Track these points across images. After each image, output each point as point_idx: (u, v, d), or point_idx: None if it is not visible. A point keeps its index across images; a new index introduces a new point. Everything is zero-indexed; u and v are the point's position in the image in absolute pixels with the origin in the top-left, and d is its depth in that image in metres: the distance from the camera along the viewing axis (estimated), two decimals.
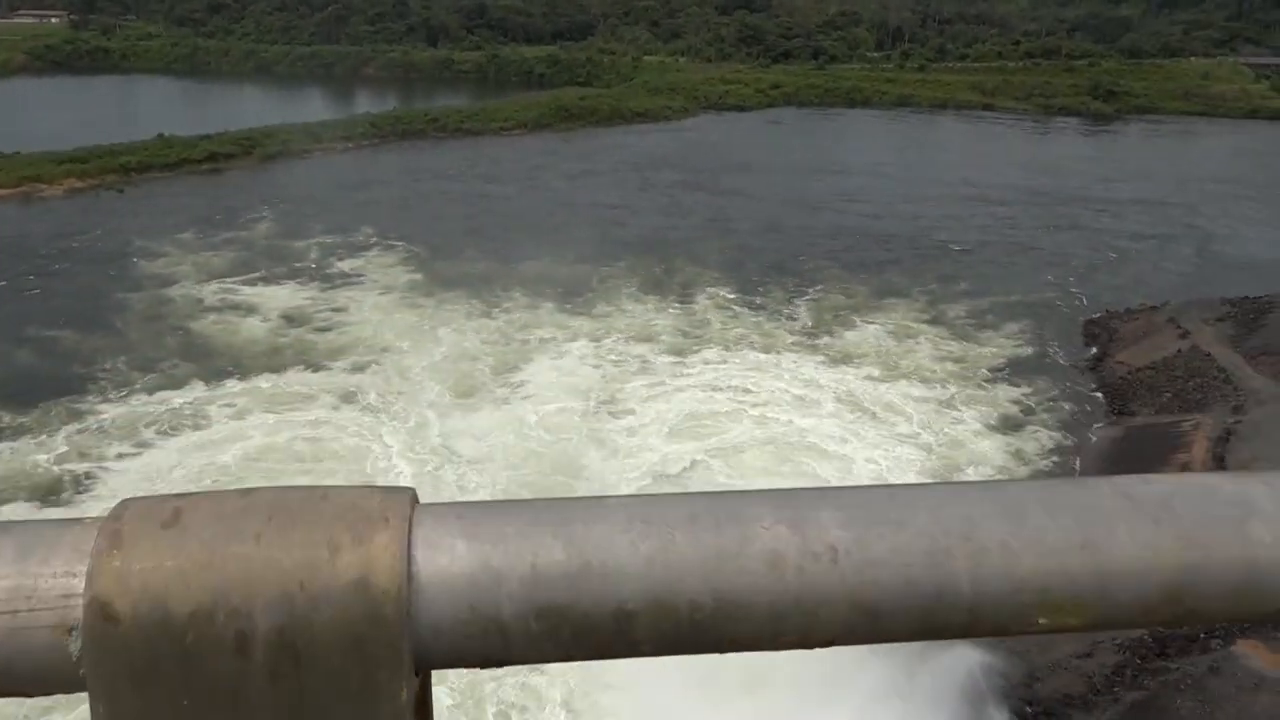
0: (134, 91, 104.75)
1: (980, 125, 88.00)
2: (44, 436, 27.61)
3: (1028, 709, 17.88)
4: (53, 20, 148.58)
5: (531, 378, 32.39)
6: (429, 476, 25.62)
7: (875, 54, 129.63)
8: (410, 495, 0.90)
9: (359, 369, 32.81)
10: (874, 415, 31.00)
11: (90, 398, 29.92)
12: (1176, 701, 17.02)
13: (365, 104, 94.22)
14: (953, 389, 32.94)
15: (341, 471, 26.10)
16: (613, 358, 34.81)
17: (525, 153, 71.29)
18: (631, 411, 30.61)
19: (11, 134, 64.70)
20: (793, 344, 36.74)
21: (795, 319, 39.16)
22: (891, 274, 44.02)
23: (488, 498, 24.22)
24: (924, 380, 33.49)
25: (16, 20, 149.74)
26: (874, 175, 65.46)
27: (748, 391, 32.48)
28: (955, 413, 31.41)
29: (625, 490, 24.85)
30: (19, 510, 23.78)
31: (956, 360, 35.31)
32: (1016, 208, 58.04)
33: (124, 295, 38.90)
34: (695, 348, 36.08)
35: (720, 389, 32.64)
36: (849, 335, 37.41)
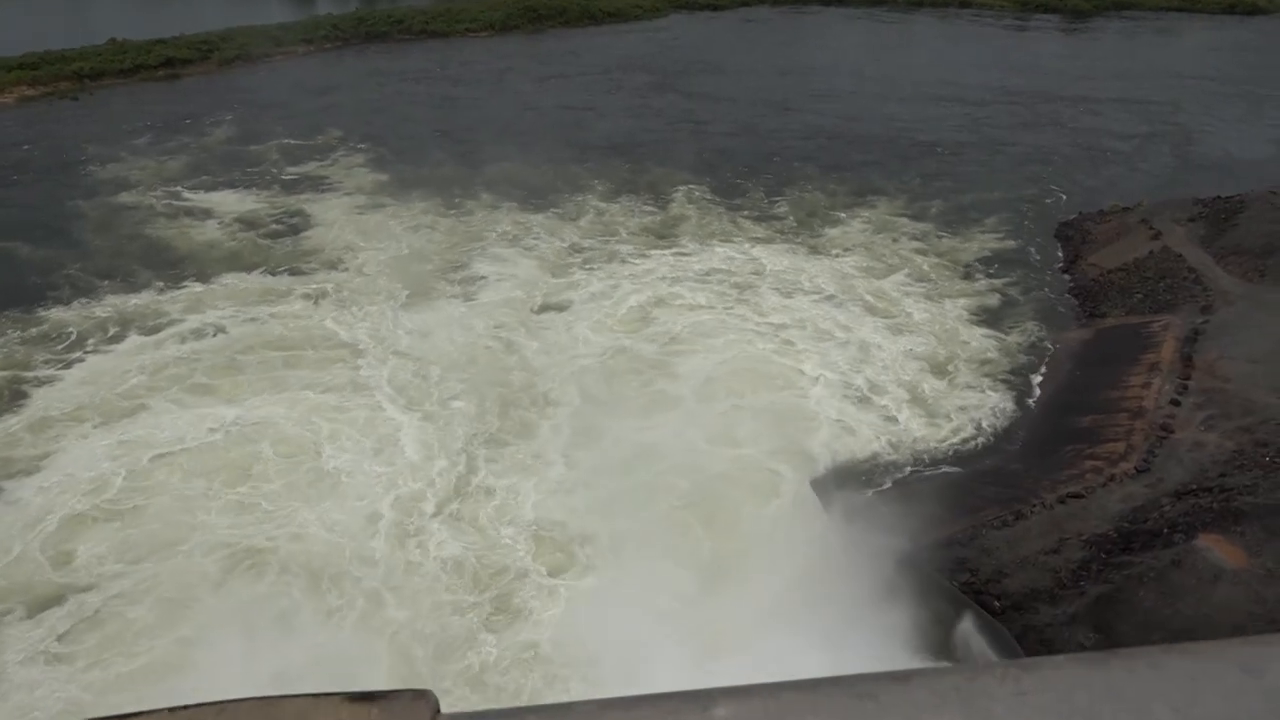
0: None
1: (957, 24, 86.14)
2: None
3: (996, 603, 18.31)
4: None
5: (486, 274, 32.95)
6: (384, 359, 27.38)
7: None
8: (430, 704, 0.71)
9: (322, 267, 33.15)
10: (867, 304, 31.91)
11: (49, 306, 29.57)
12: (1139, 594, 17.46)
13: (327, 6, 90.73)
14: (937, 282, 33.66)
15: (311, 356, 27.31)
16: (572, 255, 35.11)
17: (492, 55, 69.22)
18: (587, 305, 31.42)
19: None
20: (774, 236, 37.20)
21: (775, 216, 39.20)
22: (870, 174, 43.71)
23: (431, 389, 25.92)
24: (909, 273, 34.30)
25: None
26: (849, 76, 64.17)
27: (732, 282, 33.12)
28: (941, 305, 32.03)
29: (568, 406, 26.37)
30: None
31: (939, 254, 35.92)
32: (994, 107, 57.24)
33: (79, 203, 38.08)
34: (665, 243, 36.38)
35: (700, 281, 33.21)
36: (832, 231, 37.73)
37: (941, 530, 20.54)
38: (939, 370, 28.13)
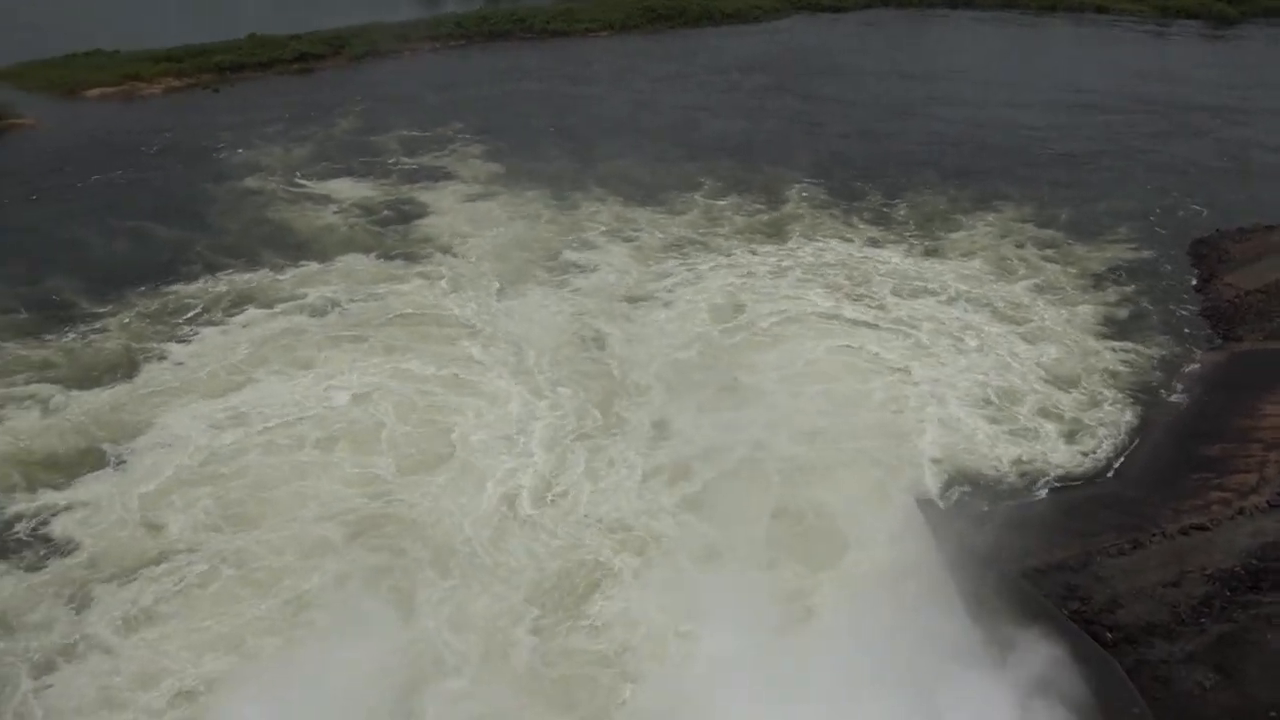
0: None
1: (1092, 28, 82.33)
2: (129, 317, 28.91)
3: (1108, 635, 17.28)
4: None
5: (587, 263, 33.47)
6: (488, 341, 28.09)
7: None
8: None
9: (434, 250, 34.19)
10: (987, 308, 31.04)
11: (176, 282, 31.09)
12: (1268, 636, 16.26)
13: (452, 4, 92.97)
14: (1064, 290, 32.46)
15: (420, 334, 28.56)
16: (674, 248, 35.06)
17: (611, 54, 69.65)
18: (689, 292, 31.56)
19: (113, 32, 65.78)
20: (890, 237, 36.47)
21: (892, 218, 38.32)
22: (995, 180, 42.22)
23: (531, 374, 26.01)
24: (1034, 280, 33.14)
25: None
26: (974, 81, 62.09)
27: (843, 280, 32.58)
28: (1067, 313, 30.85)
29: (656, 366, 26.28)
30: (100, 397, 25.00)
31: (1067, 262, 34.52)
32: (1131, 115, 54.48)
33: (211, 187, 40.02)
34: (774, 240, 35.99)
35: (808, 277, 32.80)
36: (953, 235, 36.73)
37: (1052, 554, 19.60)
38: (1060, 382, 26.84)
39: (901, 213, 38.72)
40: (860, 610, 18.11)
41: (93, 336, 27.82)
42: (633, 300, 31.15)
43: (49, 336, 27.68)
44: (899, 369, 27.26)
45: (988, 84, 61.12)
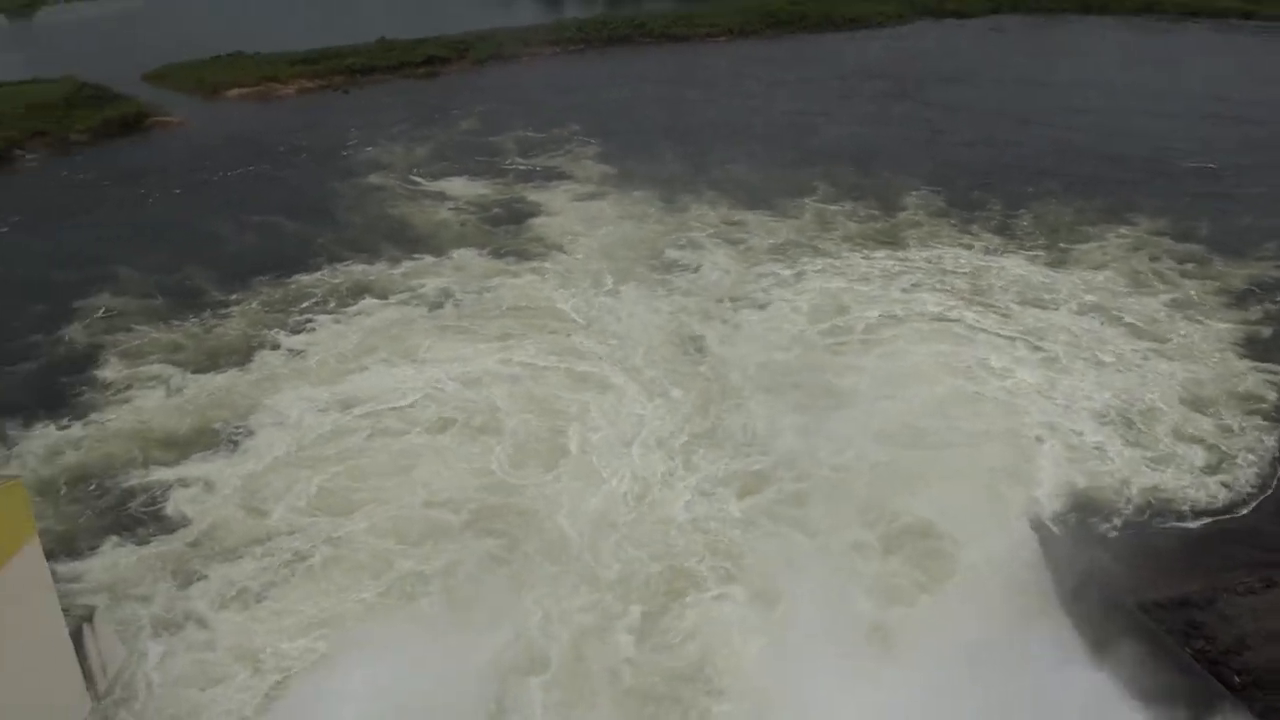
0: None
1: (1236, 36, 77.52)
2: (253, 305, 30.29)
3: (1235, 678, 16.15)
4: None
5: (694, 263, 33.44)
6: (595, 337, 28.39)
7: None
8: None
9: (545, 248, 34.81)
10: (1116, 321, 29.55)
11: (299, 273, 32.50)
12: None
13: (573, 9, 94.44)
14: (1203, 306, 30.57)
15: (532, 310, 30.06)
16: (783, 251, 34.59)
17: (729, 59, 69.48)
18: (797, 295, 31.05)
19: (253, 35, 69.32)
20: (1012, 246, 35.21)
21: (1014, 228, 36.93)
22: (1127, 192, 40.17)
23: (635, 371, 26.05)
24: (1169, 294, 31.31)
25: None
26: (1103, 89, 59.29)
27: (960, 288, 31.53)
28: (1206, 330, 29.04)
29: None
30: (223, 379, 26.27)
31: (1207, 278, 32.52)
32: (1276, 128, 51.08)
33: (337, 184, 41.68)
34: (888, 246, 35.15)
35: (923, 283, 31.92)
36: (1080, 246, 35.13)
37: (1176, 588, 18.50)
38: (1198, 404, 25.18)
39: (1025, 223, 37.22)
40: (962, 641, 17.27)
41: (217, 322, 29.22)
42: (736, 301, 30.91)
43: (178, 321, 29.20)
44: (1018, 379, 26.13)
45: (1119, 91, 58.32)
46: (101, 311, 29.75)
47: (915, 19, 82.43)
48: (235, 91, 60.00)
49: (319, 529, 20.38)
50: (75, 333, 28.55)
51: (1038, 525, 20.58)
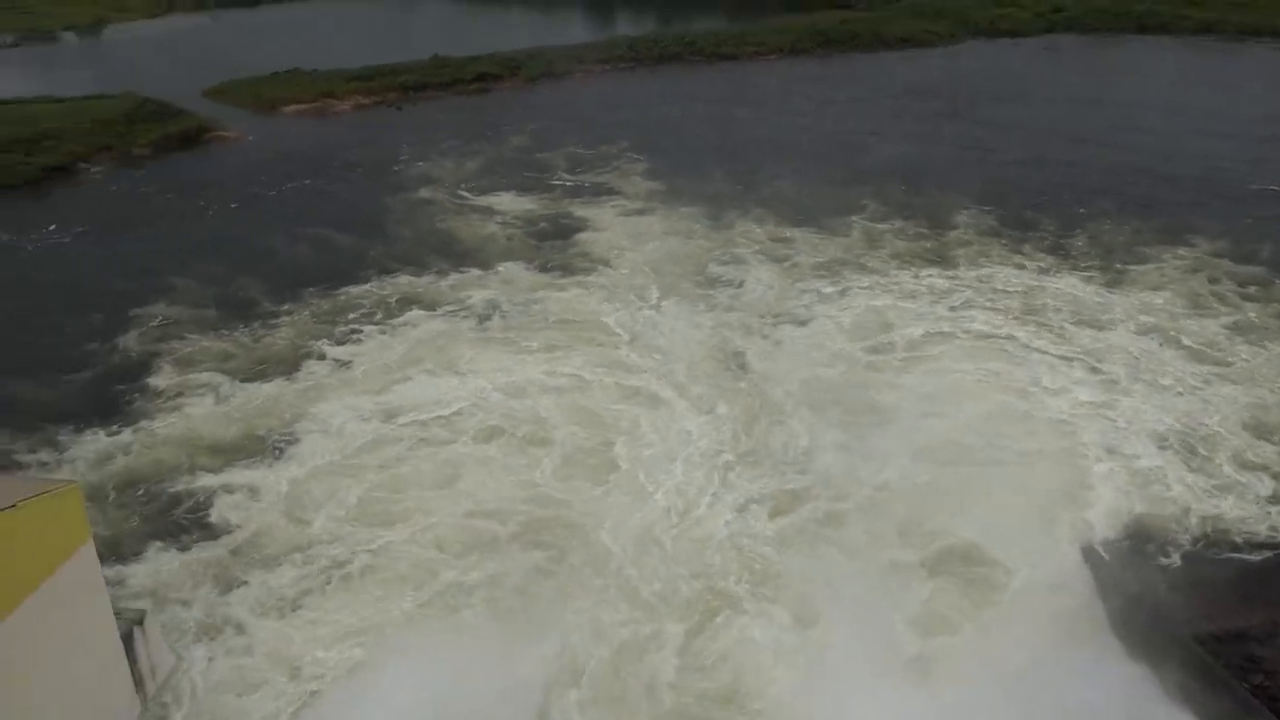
0: (414, 11, 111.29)
1: None
2: (303, 314, 30.71)
3: None
4: None
5: (738, 279, 33.31)
6: (641, 352, 28.36)
7: None
8: None
9: (591, 262, 34.88)
10: (1174, 343, 28.82)
11: (349, 285, 32.83)
12: None
13: (625, 26, 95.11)
14: (1266, 330, 29.74)
15: (577, 323, 30.07)
16: (829, 269, 34.34)
17: (779, 78, 69.36)
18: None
19: (311, 53, 70.70)
20: (1065, 266, 34.58)
21: (1068, 248, 36.23)
22: (1185, 213, 39.25)
23: (680, 387, 25.92)
24: (1230, 317, 30.54)
25: None
26: (1161, 109, 58.09)
27: (1011, 307, 31.05)
28: (1270, 355, 28.19)
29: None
30: (269, 388, 26.68)
31: (1270, 300, 31.68)
32: None
33: (388, 199, 42.23)
34: (938, 265, 34.73)
35: (974, 302, 31.47)
36: (1137, 267, 34.38)
37: (1234, 621, 17.87)
38: (1260, 430, 24.40)
39: (1080, 243, 36.54)
40: (1007, 671, 16.82)
41: (266, 332, 29.69)
42: (779, 316, 30.76)
43: (229, 331, 29.74)
44: (1072, 399, 25.61)
45: (1177, 112, 57.12)
46: (157, 320, 30.39)
47: (967, 38, 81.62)
48: (292, 107, 61.18)
49: (360, 537, 20.52)
50: (130, 341, 29.19)
51: (1090, 551, 20.06)
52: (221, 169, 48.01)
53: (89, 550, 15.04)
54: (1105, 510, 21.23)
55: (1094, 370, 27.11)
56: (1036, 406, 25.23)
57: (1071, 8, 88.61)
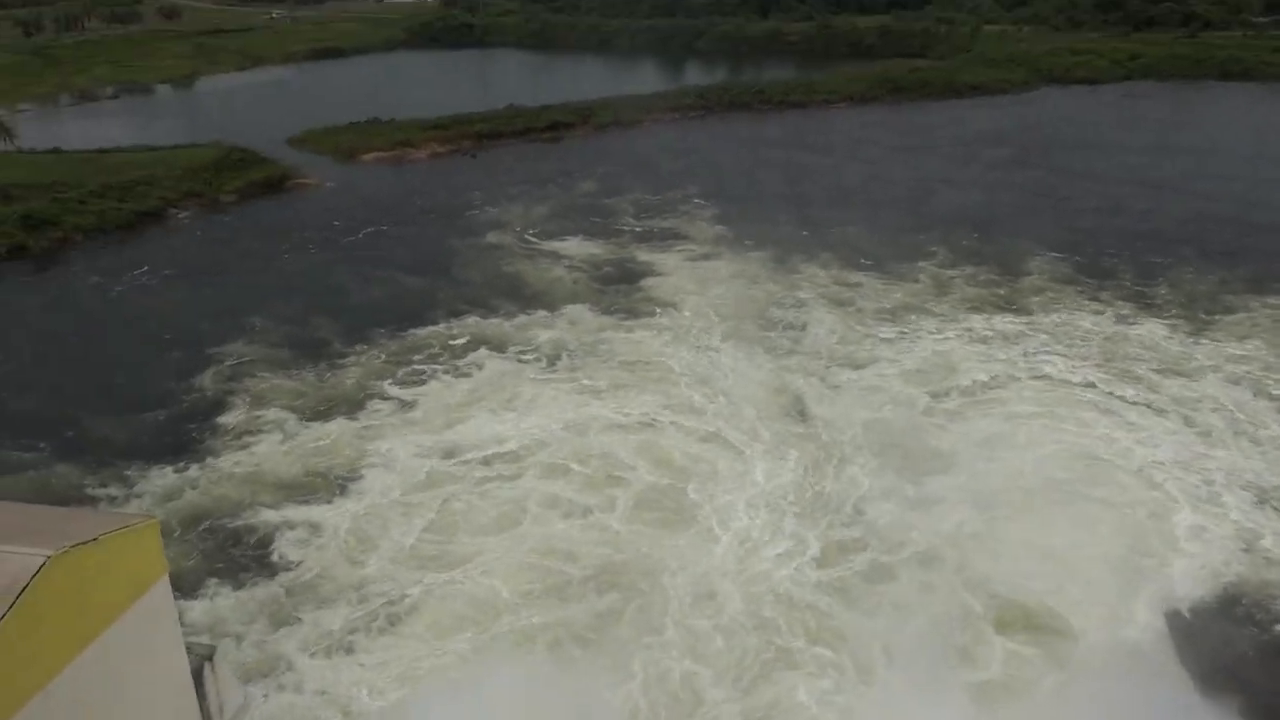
0: (490, 63, 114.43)
1: None
2: (373, 354, 31.24)
3: None
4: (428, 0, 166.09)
5: (802, 323, 33.25)
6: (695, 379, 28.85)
7: (1262, 19, 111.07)
8: None
9: (657, 306, 35.16)
10: (1275, 395, 27.79)
11: (416, 326, 33.40)
12: None
13: (695, 76, 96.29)
14: None
15: (641, 364, 30.32)
16: (895, 314, 34.02)
17: (849, 125, 69.35)
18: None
19: (391, 103, 72.98)
20: (1145, 314, 33.72)
21: (1147, 296, 35.35)
22: (1272, 262, 38.06)
23: (747, 432, 25.68)
24: None
25: (397, 0, 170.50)
26: (1244, 157, 56.51)
27: (1088, 354, 30.39)
28: None
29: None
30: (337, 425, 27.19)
31: None
32: None
33: (458, 242, 43.08)
34: (1009, 311, 34.10)
35: (1049, 348, 30.84)
36: (1225, 317, 33.36)
37: None
38: None
39: (1161, 291, 35.50)
40: None
41: (334, 372, 30.24)
42: (840, 361, 30.51)
43: (299, 370, 30.39)
44: (1157, 450, 24.61)
45: (1261, 159, 55.49)
46: (233, 359, 31.26)
47: (1041, 85, 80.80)
48: (371, 155, 63.10)
49: (417, 578, 20.49)
50: (206, 380, 29.99)
51: (1173, 614, 19.07)
52: (301, 214, 49.57)
53: (164, 585, 15.23)
54: (1189, 569, 20.21)
55: (1184, 420, 26.13)
56: (1118, 455, 24.31)
57: (1150, 54, 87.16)
